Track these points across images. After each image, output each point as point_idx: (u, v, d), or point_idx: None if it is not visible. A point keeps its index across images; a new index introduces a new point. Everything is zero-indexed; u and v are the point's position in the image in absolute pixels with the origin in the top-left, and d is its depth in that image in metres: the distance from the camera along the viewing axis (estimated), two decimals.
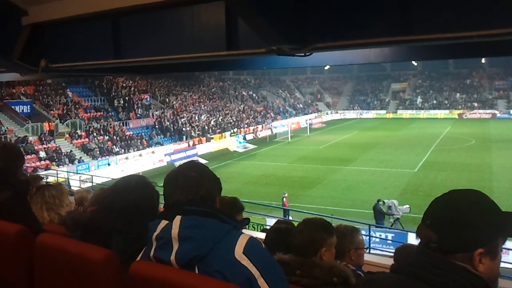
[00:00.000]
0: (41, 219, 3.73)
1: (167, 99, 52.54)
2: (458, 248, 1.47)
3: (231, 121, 53.79)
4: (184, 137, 44.17)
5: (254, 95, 70.78)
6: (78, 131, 36.67)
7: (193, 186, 1.96)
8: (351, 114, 76.13)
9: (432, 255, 1.49)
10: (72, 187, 20.22)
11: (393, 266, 4.34)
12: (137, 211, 2.35)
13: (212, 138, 46.06)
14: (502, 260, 1.56)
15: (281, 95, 77.66)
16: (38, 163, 30.04)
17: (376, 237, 16.81)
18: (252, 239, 1.86)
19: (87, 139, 36.22)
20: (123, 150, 36.95)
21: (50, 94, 39.87)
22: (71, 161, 32.14)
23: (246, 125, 54.11)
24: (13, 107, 35.17)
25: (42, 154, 31.50)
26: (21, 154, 3.51)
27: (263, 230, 9.15)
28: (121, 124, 41.25)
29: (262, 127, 55.96)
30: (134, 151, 37.46)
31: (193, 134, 45.52)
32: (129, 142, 38.52)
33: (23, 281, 2.51)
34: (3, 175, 3.08)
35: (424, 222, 1.55)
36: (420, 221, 1.58)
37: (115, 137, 38.30)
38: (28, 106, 36.38)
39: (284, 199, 21.43)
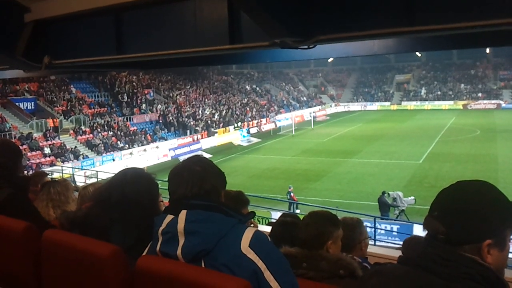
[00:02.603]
0: (47, 217, 3.72)
1: (170, 94, 52.56)
2: (467, 240, 1.45)
3: (235, 115, 53.77)
4: (188, 131, 44.19)
5: (257, 88, 70.68)
6: (82, 127, 36.78)
7: (198, 181, 1.96)
8: (355, 106, 75.96)
9: (440, 247, 1.48)
10: (77, 183, 20.30)
11: (401, 258, 4.34)
12: (134, 202, 2.37)
13: (216, 132, 46.08)
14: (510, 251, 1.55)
15: (285, 88, 77.53)
16: (43, 160, 30.16)
17: (382, 229, 16.81)
18: (258, 233, 1.86)
19: (91, 135, 36.30)
20: (127, 145, 37.03)
21: (54, 90, 39.96)
22: (76, 157, 32.24)
23: (249, 119, 54.09)
24: (17, 104, 35.29)
25: (47, 150, 31.61)
26: (19, 150, 3.50)
27: (269, 224, 9.16)
28: (125, 119, 41.32)
29: (266, 120, 55.93)
30: (138, 146, 37.54)
31: (197, 128, 45.55)
32: (133, 137, 38.59)
33: (31, 277, 2.52)
34: (2, 172, 3.08)
35: (432, 214, 1.54)
36: (427, 212, 1.57)
37: (119, 132, 38.38)
38: (32, 103, 36.46)
39: (292, 193, 21.45)
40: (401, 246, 4.57)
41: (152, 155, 36.56)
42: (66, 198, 4.20)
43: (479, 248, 1.45)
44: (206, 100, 55.99)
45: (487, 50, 67.59)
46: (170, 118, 45.61)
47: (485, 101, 68.51)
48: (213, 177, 2.01)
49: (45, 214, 3.68)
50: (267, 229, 6.96)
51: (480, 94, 71.16)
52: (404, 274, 1.52)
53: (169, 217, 1.92)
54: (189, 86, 57.78)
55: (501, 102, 67.31)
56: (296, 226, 3.06)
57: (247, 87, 69.32)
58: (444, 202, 1.53)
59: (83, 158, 32.55)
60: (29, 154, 29.18)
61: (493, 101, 68.02)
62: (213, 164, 2.09)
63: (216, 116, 50.90)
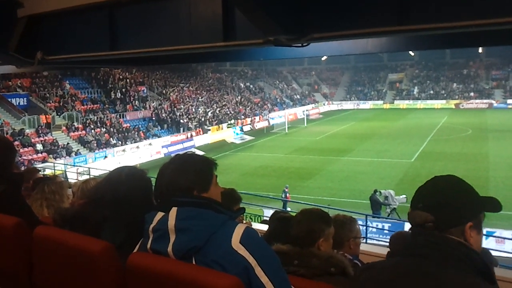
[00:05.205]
0: (41, 217, 3.67)
1: (164, 91, 52.42)
2: (453, 223, 1.65)
3: (228, 112, 53.71)
4: (181, 129, 44.10)
5: (251, 86, 70.66)
6: (75, 124, 36.59)
7: (176, 178, 1.97)
8: (348, 105, 76.11)
9: (429, 233, 1.63)
10: (69, 180, 20.19)
11: (389, 254, 4.37)
12: (128, 201, 2.37)
13: (209, 129, 46.01)
14: (499, 249, 1.70)
15: (278, 86, 77.55)
16: (35, 156, 29.98)
17: (373, 227, 16.88)
18: (248, 229, 1.86)
19: (84, 132, 36.14)
20: (120, 142, 36.88)
21: (47, 86, 39.73)
22: (68, 153, 32.10)
23: (243, 117, 54.06)
24: (9, 99, 35.04)
25: (39, 146, 31.43)
26: (13, 147, 3.47)
27: (263, 222, 9.17)
28: (118, 116, 41.16)
29: (259, 118, 55.92)
30: (131, 143, 37.41)
31: (190, 126, 45.47)
32: (126, 134, 38.44)
33: (22, 273, 2.52)
34: None
35: (416, 207, 1.73)
36: (410, 208, 1.75)
37: (112, 129, 38.22)
38: (25, 99, 36.23)
39: (288, 194, 21.50)
40: None
41: (145, 152, 36.45)
42: (60, 196, 4.16)
43: (463, 230, 1.65)
44: (200, 97, 55.88)
45: (480, 50, 67.89)
46: (164, 115, 45.49)
47: (477, 101, 68.91)
48: (191, 175, 1.99)
49: (39, 214, 3.63)
50: (259, 227, 6.97)
51: (472, 94, 71.54)
52: (394, 264, 1.67)
53: (160, 215, 1.92)
54: (182, 83, 57.64)
55: (493, 101, 67.74)
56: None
57: (240, 84, 69.28)
58: (427, 194, 1.74)
59: (76, 154, 32.40)
60: (21, 150, 29.00)
61: (485, 101, 68.43)
62: (197, 161, 2.07)
63: (209, 114, 50.82)
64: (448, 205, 1.66)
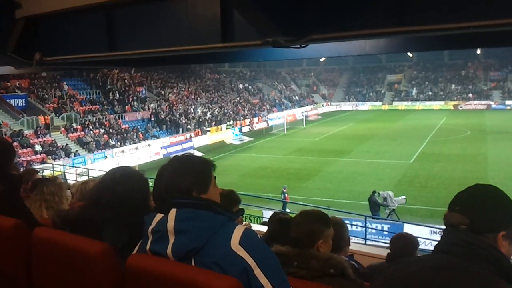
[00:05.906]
0: (40, 218, 3.64)
1: (162, 92, 52.37)
2: (487, 229, 1.70)
3: (227, 113, 53.70)
4: (180, 130, 44.05)
5: (249, 87, 70.65)
6: (74, 125, 36.53)
7: (174, 179, 1.98)
8: (347, 106, 76.21)
9: (463, 233, 1.71)
10: (68, 181, 20.16)
11: (389, 255, 4.37)
12: (126, 202, 2.36)
13: (208, 130, 45.97)
14: None
15: (277, 87, 77.56)
16: (33, 157, 29.94)
17: (372, 228, 16.87)
18: (247, 230, 1.86)
19: (82, 133, 36.09)
20: (119, 143, 36.82)
21: (45, 87, 39.69)
22: (67, 154, 32.04)
23: (242, 118, 54.04)
24: (8, 100, 34.99)
25: (38, 147, 31.38)
26: (12, 148, 3.45)
27: (262, 223, 9.16)
28: (116, 117, 41.09)
29: (258, 119, 55.90)
30: (130, 144, 37.33)
31: (189, 126, 45.43)
32: (125, 135, 38.38)
33: (21, 274, 2.51)
34: None
35: (453, 209, 1.79)
36: (447, 210, 1.82)
37: (111, 130, 38.17)
38: (23, 100, 36.20)
39: (286, 194, 21.51)
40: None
41: (144, 153, 36.39)
42: (60, 198, 4.14)
43: (495, 237, 1.70)
44: (199, 98, 55.86)
45: (478, 51, 68.02)
46: (162, 116, 45.44)
47: (475, 102, 69.00)
48: (190, 177, 1.99)
49: (38, 216, 3.60)
50: (259, 228, 6.96)
51: (470, 95, 71.63)
52: (422, 258, 1.77)
53: (159, 216, 1.92)
54: (181, 84, 57.61)
55: (491, 102, 67.85)
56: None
57: (239, 85, 69.27)
58: (466, 199, 1.79)
59: (74, 155, 32.33)
60: (19, 151, 28.93)
61: (483, 102, 68.54)
62: (195, 162, 2.07)
63: (208, 115, 50.79)
64: (484, 211, 1.73)
